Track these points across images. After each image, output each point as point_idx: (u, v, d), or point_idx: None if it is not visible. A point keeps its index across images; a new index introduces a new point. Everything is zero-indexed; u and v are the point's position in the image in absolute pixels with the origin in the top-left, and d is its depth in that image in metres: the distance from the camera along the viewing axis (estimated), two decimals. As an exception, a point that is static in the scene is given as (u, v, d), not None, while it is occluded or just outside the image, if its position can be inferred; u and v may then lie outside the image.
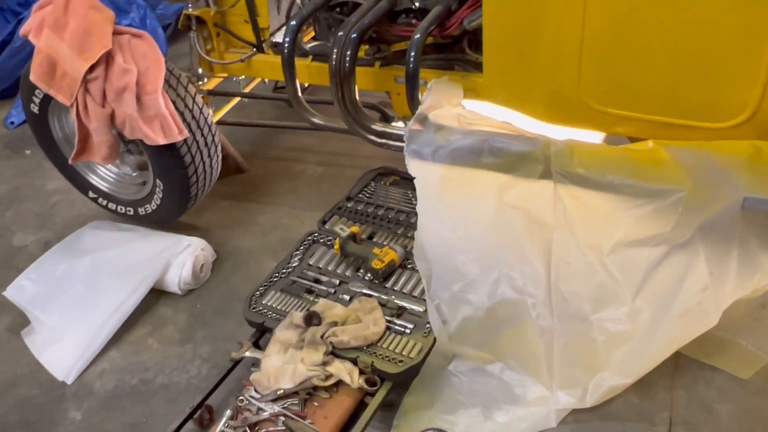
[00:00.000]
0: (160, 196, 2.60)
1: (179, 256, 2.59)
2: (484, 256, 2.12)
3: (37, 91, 2.56)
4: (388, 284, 2.31)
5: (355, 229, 2.47)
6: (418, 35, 2.26)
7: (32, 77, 2.38)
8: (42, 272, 2.65)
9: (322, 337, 2.08)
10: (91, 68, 2.25)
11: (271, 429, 1.94)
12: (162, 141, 2.33)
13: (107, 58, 2.27)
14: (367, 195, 2.76)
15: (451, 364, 2.13)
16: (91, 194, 2.87)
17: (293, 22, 2.44)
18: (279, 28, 2.89)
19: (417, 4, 2.42)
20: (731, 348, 2.10)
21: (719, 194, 1.82)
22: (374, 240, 2.52)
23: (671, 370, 2.10)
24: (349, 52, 2.30)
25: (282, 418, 1.97)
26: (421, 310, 2.19)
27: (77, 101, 2.30)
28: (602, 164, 2.08)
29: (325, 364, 2.05)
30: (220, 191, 3.08)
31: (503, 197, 2.16)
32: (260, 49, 2.81)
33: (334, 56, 2.30)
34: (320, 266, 2.43)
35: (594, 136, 2.37)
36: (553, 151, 2.13)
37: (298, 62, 2.68)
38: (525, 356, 2.07)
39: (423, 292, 2.25)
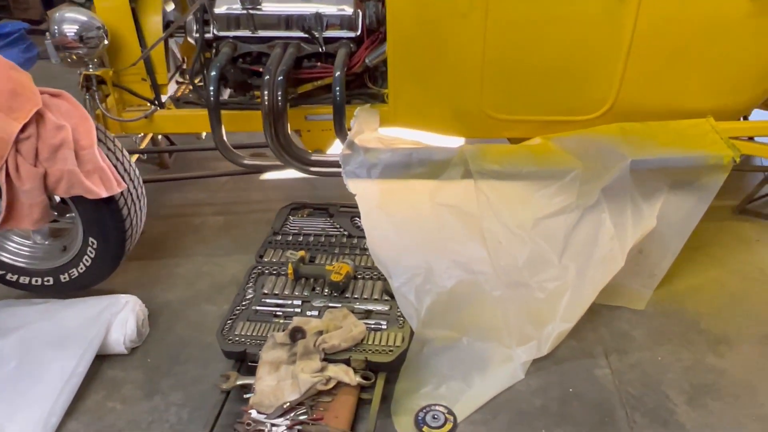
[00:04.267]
0: (92, 256, 2.52)
1: (119, 315, 2.51)
2: (432, 249, 2.45)
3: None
4: (348, 294, 2.52)
5: (302, 252, 2.64)
6: (338, 72, 2.58)
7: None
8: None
9: (314, 346, 2.22)
10: (23, 128, 2.19)
11: (293, 438, 2.03)
12: (104, 194, 2.31)
13: (38, 117, 2.22)
14: (291, 227, 2.94)
15: (426, 348, 2.39)
16: (-3, 271, 2.65)
17: (213, 73, 2.60)
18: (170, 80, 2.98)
19: (323, 49, 2.74)
20: (624, 290, 2.66)
21: (610, 163, 2.38)
22: (316, 262, 2.71)
23: (590, 315, 2.58)
24: (279, 92, 2.52)
25: (298, 427, 2.07)
26: (386, 308, 2.44)
27: (7, 164, 2.20)
28: (509, 159, 2.56)
29: (322, 370, 2.19)
30: (126, 253, 3.01)
31: (435, 199, 2.54)
32: (161, 105, 2.88)
33: (266, 98, 2.51)
34: (276, 293, 2.55)
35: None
36: (468, 155, 2.57)
37: (202, 112, 2.81)
38: (485, 326, 2.41)
39: (382, 294, 2.50)
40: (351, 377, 2.19)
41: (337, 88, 2.55)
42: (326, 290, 2.54)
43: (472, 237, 2.46)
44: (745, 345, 2.43)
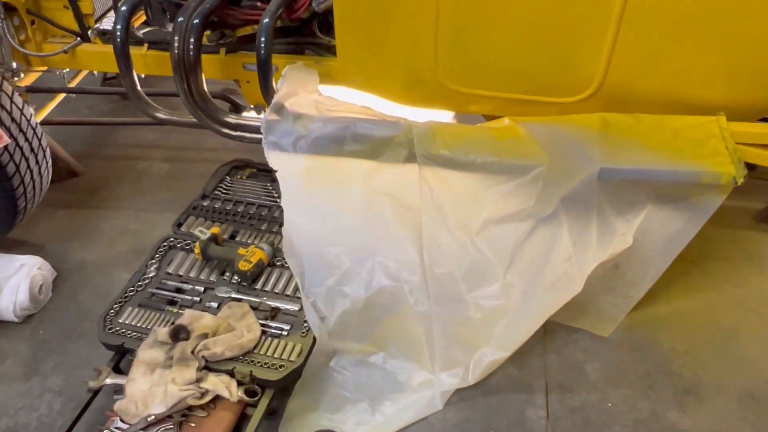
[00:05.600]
0: (-23, 216, 2.25)
1: (12, 279, 2.27)
2: (356, 246, 2.06)
3: None
4: (258, 285, 2.19)
5: (215, 230, 2.30)
6: (267, 19, 2.13)
7: None
8: None
9: (192, 352, 1.92)
10: None
11: (146, 461, 1.77)
12: (-23, 150, 2.00)
13: None
14: (224, 191, 2.59)
15: (333, 361, 2.06)
16: None
17: (124, 8, 2.20)
18: (105, 14, 2.60)
19: (262, -13, 2.27)
20: (591, 309, 2.23)
21: (576, 167, 1.90)
22: (237, 239, 2.37)
23: (542, 336, 2.19)
24: (192, 40, 2.11)
25: (157, 447, 1.80)
26: (296, 308, 2.10)
27: None
28: (464, 144, 2.09)
29: (199, 380, 1.89)
30: (54, 199, 2.75)
31: (370, 184, 2.12)
32: (85, 38, 2.51)
33: (176, 44, 2.10)
34: (181, 274, 2.24)
35: (450, 116, 2.40)
36: (416, 134, 2.12)
37: (133, 51, 2.43)
38: (406, 343, 2.05)
39: (296, 289, 2.15)
40: (232, 392, 1.89)
41: (262, 38, 2.11)
42: (235, 278, 2.21)
43: (406, 236, 2.05)
44: (720, 400, 1.99)
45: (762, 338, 2.16)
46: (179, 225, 2.43)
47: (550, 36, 1.91)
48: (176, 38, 2.10)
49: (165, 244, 2.34)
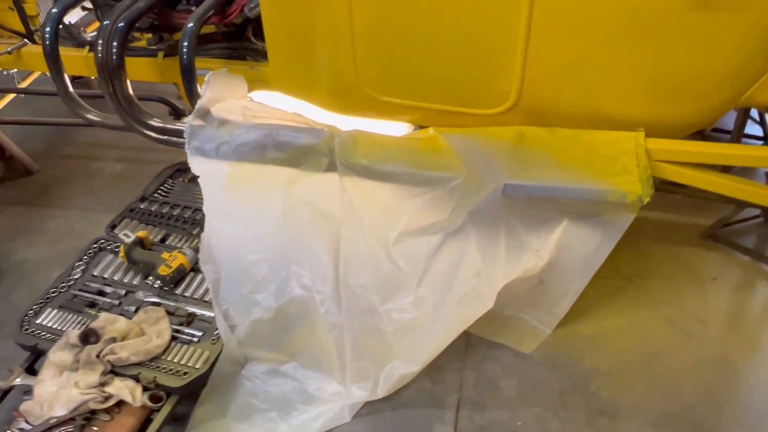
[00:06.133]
0: None
1: (-56, 276, 2.30)
2: (274, 254, 2.05)
3: None
4: (179, 290, 2.19)
5: (142, 233, 2.30)
6: (191, 24, 2.12)
7: None
8: None
9: (98, 356, 1.93)
10: None
11: (42, 463, 1.78)
12: None
13: None
14: (163, 194, 2.60)
15: (245, 369, 2.05)
16: None
17: (55, 10, 2.21)
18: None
19: (193, -10, 2.27)
20: (516, 323, 2.19)
21: (485, 181, 1.86)
22: (167, 243, 2.38)
23: (462, 351, 2.15)
24: (116, 43, 2.11)
25: (55, 450, 1.81)
26: (212, 315, 2.09)
27: None
28: (383, 154, 2.07)
29: (103, 384, 1.90)
30: (4, 197, 2.79)
31: (291, 192, 2.10)
32: (30, 39, 2.53)
33: (100, 47, 2.11)
34: (105, 276, 2.25)
35: (384, 125, 2.37)
36: (337, 143, 2.10)
37: (75, 53, 2.46)
38: (317, 353, 2.03)
39: (216, 295, 2.15)
40: (136, 397, 1.89)
41: (185, 44, 2.10)
42: (157, 282, 2.21)
43: (322, 245, 2.03)
44: (633, 424, 1.94)
45: (688, 360, 2.10)
46: (113, 227, 2.44)
47: (463, 49, 1.87)
48: (100, 41, 2.11)
49: (95, 246, 2.35)
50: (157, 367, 1.94)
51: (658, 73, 1.77)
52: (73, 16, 2.65)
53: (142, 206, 2.53)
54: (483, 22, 1.80)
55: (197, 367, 1.94)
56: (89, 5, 2.47)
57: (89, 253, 2.32)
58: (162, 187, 2.62)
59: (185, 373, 1.92)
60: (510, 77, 1.89)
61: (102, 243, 2.36)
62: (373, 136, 2.14)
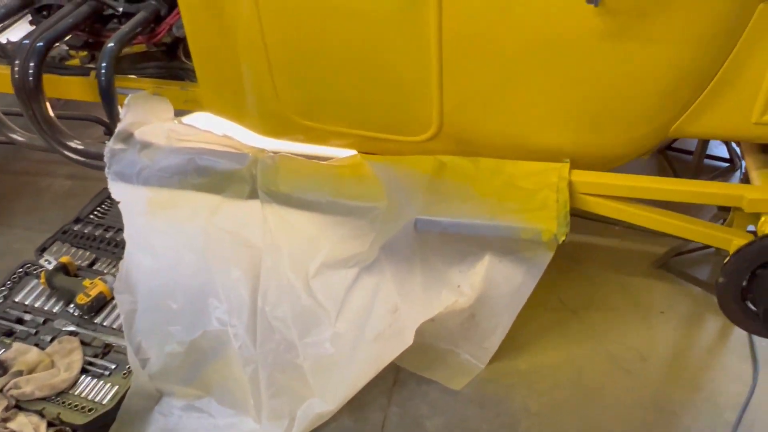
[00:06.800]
0: None
1: None
2: (192, 285, 1.98)
3: None
4: (98, 319, 2.12)
5: (65, 259, 2.24)
6: (111, 44, 2.07)
7: None
8: None
9: (2, 390, 1.87)
10: None
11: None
12: None
13: None
14: (99, 215, 2.54)
15: (159, 404, 1.98)
16: None
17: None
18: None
19: (121, 9, 2.21)
20: (450, 357, 2.10)
21: (399, 214, 1.78)
22: (95, 267, 2.31)
23: (390, 386, 2.07)
24: (32, 63, 2.05)
25: (-51, 489, 1.75)
26: (129, 346, 2.02)
27: None
28: (305, 182, 2.00)
29: (5, 420, 1.83)
30: (-54, 214, 2.75)
31: (212, 220, 2.03)
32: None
33: (16, 68, 2.05)
34: (27, 303, 2.19)
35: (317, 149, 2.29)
36: (259, 169, 2.03)
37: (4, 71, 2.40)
38: (233, 389, 1.96)
39: (135, 326, 2.08)
40: (39, 434, 1.83)
41: (103, 64, 2.04)
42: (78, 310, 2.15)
43: (241, 276, 1.95)
44: (557, 470, 1.84)
45: (625, 400, 2.00)
46: (43, 250, 2.39)
47: (379, 79, 1.80)
48: (17, 62, 2.05)
49: (21, 270, 2.29)
50: (63, 403, 1.87)
51: (579, 103, 1.67)
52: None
53: (75, 228, 2.47)
54: (394, 54, 1.72)
55: (104, 402, 1.87)
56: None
57: (14, 278, 2.27)
58: (99, 209, 2.56)
59: (90, 409, 1.85)
60: (429, 106, 1.80)
61: (28, 267, 2.30)
62: (297, 162, 2.06)
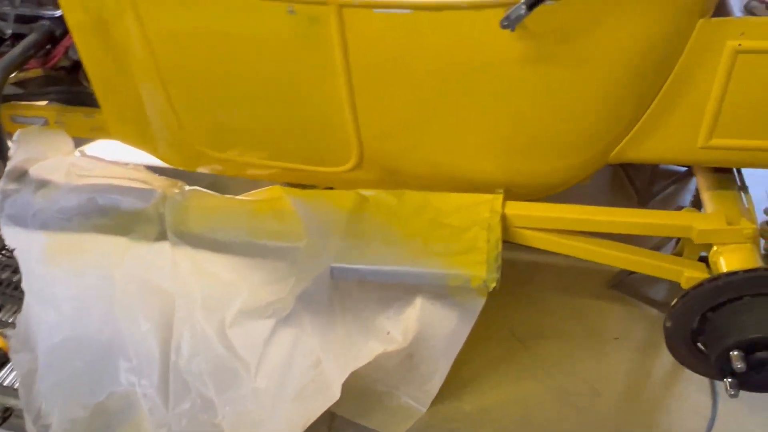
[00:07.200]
0: None
1: None
2: (99, 340, 1.80)
3: None
4: (-2, 378, 1.92)
5: (-36, 310, 2.03)
6: (-2, 66, 1.84)
7: None
8: None
9: None
10: None
11: None
12: None
13: None
14: (8, 255, 2.32)
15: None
16: None
17: None
18: None
19: (10, 31, 1.98)
20: (389, 401, 1.93)
21: (314, 261, 1.59)
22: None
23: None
24: None
25: None
26: (31, 409, 1.83)
27: None
28: (218, 221, 1.81)
29: None
30: None
31: (118, 266, 1.84)
32: None
33: None
34: None
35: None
36: (167, 208, 1.83)
37: None
38: (147, 454, 1.77)
39: (39, 385, 1.88)
40: None
41: (-9, 92, 1.83)
42: (-23, 367, 1.95)
43: (154, 328, 1.77)
44: None
45: (574, 442, 1.85)
46: (-57, 298, 2.17)
47: (287, 107, 1.62)
48: None
49: None
50: (-48, 482, 1.68)
51: (508, 131, 1.50)
52: None
53: (-21, 270, 2.26)
54: (300, 82, 1.54)
55: (-8, 479, 1.68)
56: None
57: None
58: (5, 249, 2.34)
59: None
60: (346, 136, 1.62)
61: (-77, 318, 2.09)
62: (209, 198, 1.87)
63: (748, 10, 1.36)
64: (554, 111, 1.41)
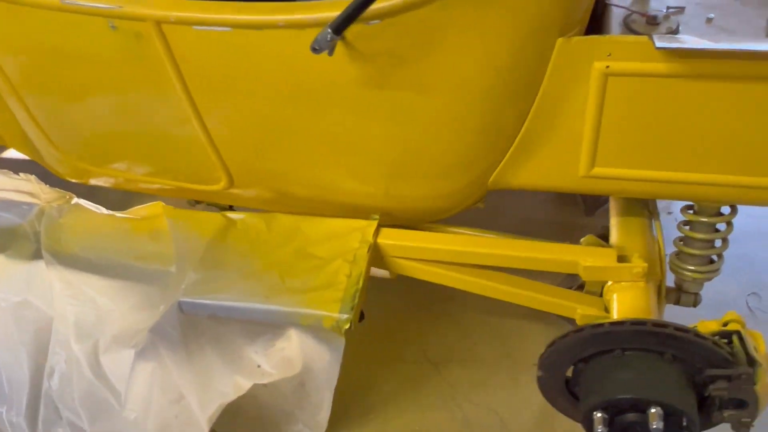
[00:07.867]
0: None
1: None
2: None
3: None
4: None
5: None
6: None
7: None
8: None
9: None
10: None
11: None
12: None
13: None
14: None
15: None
16: None
17: None
18: None
19: None
20: (285, 427, 1.83)
21: (166, 291, 1.49)
22: None
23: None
24: None
25: None
26: None
27: None
28: (93, 240, 1.72)
29: None
30: None
31: (-2, 287, 1.75)
32: None
33: None
34: None
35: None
36: (44, 226, 1.74)
37: None
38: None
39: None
40: None
41: None
42: None
43: (26, 353, 1.69)
44: None
45: (473, 480, 1.74)
46: None
47: (140, 126, 1.51)
48: None
49: None
50: None
51: (376, 153, 1.37)
52: None
53: None
54: (147, 100, 1.42)
55: None
56: None
57: None
58: None
59: None
60: (206, 156, 1.50)
61: None
62: (86, 215, 1.77)
63: (627, 26, 1.20)
64: (412, 136, 1.27)
